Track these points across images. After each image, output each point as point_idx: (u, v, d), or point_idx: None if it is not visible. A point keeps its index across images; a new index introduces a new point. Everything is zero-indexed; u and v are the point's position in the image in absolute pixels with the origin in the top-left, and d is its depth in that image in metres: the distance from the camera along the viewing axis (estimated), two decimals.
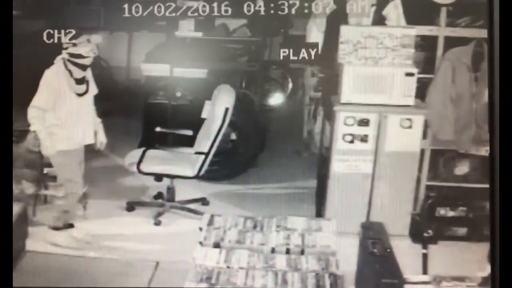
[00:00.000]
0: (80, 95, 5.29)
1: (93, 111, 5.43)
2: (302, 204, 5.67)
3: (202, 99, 6.03)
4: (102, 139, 5.48)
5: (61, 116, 5.25)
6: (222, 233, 4.87)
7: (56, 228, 5.43)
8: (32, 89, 5.19)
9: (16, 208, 5.12)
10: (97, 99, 5.46)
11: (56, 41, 5.26)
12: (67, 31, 5.25)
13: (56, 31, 5.25)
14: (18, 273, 4.84)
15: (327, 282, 4.43)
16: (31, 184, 5.68)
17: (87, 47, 5.24)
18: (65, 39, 5.24)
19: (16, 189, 5.38)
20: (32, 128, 5.25)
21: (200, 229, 4.94)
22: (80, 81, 5.28)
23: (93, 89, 5.41)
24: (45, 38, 5.27)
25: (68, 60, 5.23)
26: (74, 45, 5.22)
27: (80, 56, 5.22)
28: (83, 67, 5.26)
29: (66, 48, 5.23)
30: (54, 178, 5.71)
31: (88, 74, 5.35)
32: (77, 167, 5.37)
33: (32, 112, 5.20)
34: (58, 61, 5.25)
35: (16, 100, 4.88)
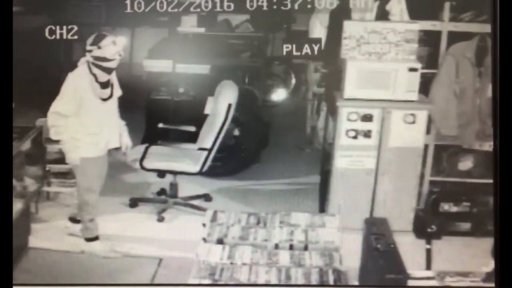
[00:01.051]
0: (104, 100, 5.06)
1: (117, 114, 5.20)
2: (305, 200, 5.67)
3: (205, 95, 6.02)
4: (127, 142, 5.27)
5: (84, 122, 5.01)
6: (225, 229, 4.87)
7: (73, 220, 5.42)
8: (32, 86, 5.15)
9: (19, 205, 5.11)
10: None
11: (58, 37, 5.22)
12: (69, 27, 5.22)
13: (58, 27, 5.22)
14: (20, 270, 4.84)
15: (331, 278, 4.42)
16: (33, 181, 5.67)
17: (113, 49, 5.00)
18: (67, 35, 5.20)
19: (18, 186, 5.37)
20: (55, 137, 5.02)
21: (204, 225, 4.94)
22: (105, 85, 5.04)
23: (118, 92, 5.18)
24: (47, 34, 5.24)
25: (93, 64, 5.00)
26: (99, 47, 4.98)
27: (105, 59, 4.99)
28: (108, 70, 5.02)
29: (90, 51, 5.00)
30: (57, 175, 5.71)
31: (113, 76, 5.12)
32: (99, 175, 5.16)
33: (53, 119, 4.96)
34: (82, 63, 5.03)
35: (16, 97, 4.85)
